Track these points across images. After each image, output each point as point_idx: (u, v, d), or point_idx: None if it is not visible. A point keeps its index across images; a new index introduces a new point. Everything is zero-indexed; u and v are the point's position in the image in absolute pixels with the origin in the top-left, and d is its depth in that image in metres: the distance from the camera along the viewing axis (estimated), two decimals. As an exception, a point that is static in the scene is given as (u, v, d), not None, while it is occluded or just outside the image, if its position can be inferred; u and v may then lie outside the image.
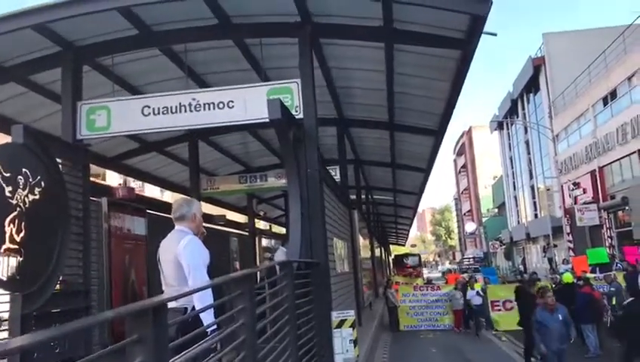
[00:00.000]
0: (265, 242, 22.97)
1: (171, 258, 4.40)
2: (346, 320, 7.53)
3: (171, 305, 4.34)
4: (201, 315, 4.15)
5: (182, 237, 4.43)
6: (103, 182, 19.39)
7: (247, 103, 7.90)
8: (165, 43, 8.93)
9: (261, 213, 20.83)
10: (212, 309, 4.26)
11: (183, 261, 4.32)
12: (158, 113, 8.26)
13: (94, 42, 8.47)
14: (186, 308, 4.25)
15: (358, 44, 9.06)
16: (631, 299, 10.43)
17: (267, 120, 6.91)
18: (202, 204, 16.25)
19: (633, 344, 9.17)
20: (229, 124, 8.33)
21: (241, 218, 22.09)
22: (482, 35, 7.24)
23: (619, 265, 18.88)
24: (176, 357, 2.84)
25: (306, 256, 6.92)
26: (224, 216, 17.27)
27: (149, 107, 8.31)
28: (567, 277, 15.43)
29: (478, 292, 18.11)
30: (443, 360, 13.93)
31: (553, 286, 14.90)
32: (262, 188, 13.79)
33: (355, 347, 7.47)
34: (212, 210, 17.94)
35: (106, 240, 9.17)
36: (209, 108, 8.07)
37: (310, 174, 7.48)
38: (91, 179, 9.05)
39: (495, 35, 7.43)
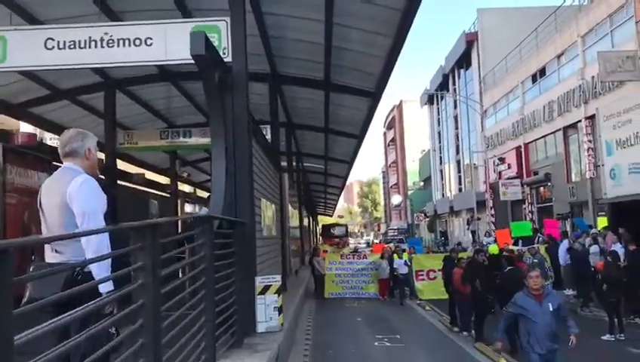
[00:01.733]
0: (189, 208, 21.94)
1: (58, 202, 3.48)
2: (271, 286, 6.89)
3: (55, 258, 3.52)
4: (95, 273, 3.37)
5: (73, 177, 3.51)
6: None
7: (168, 41, 6.96)
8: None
9: (185, 175, 19.72)
10: (109, 268, 3.48)
11: (74, 205, 3.42)
12: (64, 47, 7.17)
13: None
14: (74, 266, 3.42)
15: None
16: (509, 267, 11.15)
17: (190, 60, 6.04)
18: (119, 161, 15.07)
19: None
20: (146, 63, 7.38)
21: (163, 180, 20.87)
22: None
23: (541, 238, 19.33)
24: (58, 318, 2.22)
25: (230, 214, 6.18)
26: (143, 175, 16.09)
27: (53, 40, 7.19)
28: (494, 249, 15.56)
29: (405, 261, 18.04)
30: (368, 328, 13.66)
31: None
32: (185, 145, 12.75)
33: (279, 315, 6.86)
34: (130, 170, 16.72)
35: (1, 192, 8.03)
36: (123, 45, 7.06)
37: (237, 125, 6.70)
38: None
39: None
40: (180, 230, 11.25)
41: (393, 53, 9.55)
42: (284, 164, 17.69)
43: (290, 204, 16.83)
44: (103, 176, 12.82)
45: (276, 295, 6.88)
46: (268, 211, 9.31)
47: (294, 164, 22.49)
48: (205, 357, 4.38)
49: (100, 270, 3.34)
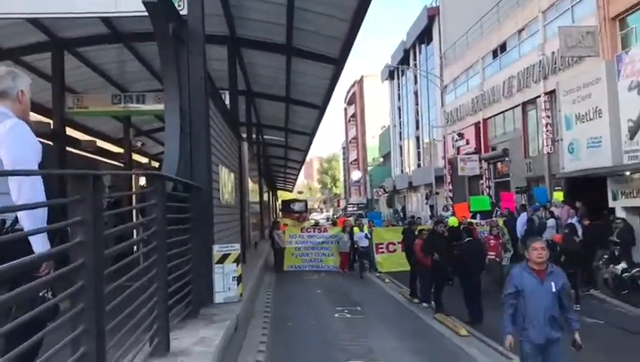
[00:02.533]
0: (144, 180, 21.15)
1: (-18, 148, 3.01)
2: (229, 254, 6.55)
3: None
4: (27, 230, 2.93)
5: (1, 121, 3.06)
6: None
7: (118, -10, 6.39)
8: None
9: (139, 144, 18.96)
10: (44, 224, 3.05)
11: (2, 152, 2.97)
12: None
13: None
14: (3, 221, 2.99)
15: None
16: (468, 238, 11.12)
17: (143, 12, 5.55)
18: (70, 130, 14.29)
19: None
20: (93, 15, 6.78)
21: (116, 150, 20.03)
22: None
23: (499, 211, 19.55)
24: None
25: (185, 178, 5.78)
26: (94, 142, 15.32)
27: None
28: (453, 221, 15.66)
29: (366, 234, 17.98)
30: (328, 301, 13.52)
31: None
32: (139, 110, 12.08)
33: (238, 285, 6.54)
34: (80, 137, 15.91)
35: None
36: (66, -7, 6.45)
37: (193, 83, 6.25)
38: None
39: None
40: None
41: (358, 16, 9.19)
42: (243, 135, 17.20)
43: (250, 177, 16.41)
44: (50, 142, 12.12)
45: (235, 264, 6.56)
46: (227, 179, 8.91)
47: (254, 135, 22.00)
48: (157, 326, 4.04)
49: (33, 226, 2.92)
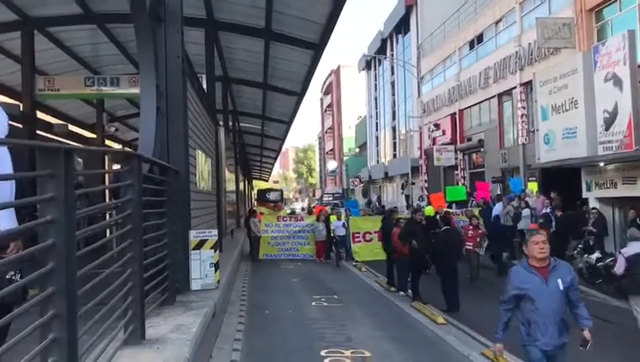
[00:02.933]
0: (118, 167, 20.67)
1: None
2: (206, 240, 6.38)
3: None
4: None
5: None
6: None
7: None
8: None
9: (112, 130, 18.52)
10: (12, 209, 2.85)
11: None
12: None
13: None
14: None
15: None
16: (445, 227, 11.12)
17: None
18: (38, 113, 13.82)
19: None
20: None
21: (89, 135, 19.53)
22: None
23: (474, 201, 19.66)
24: None
25: (162, 160, 5.57)
26: (66, 126, 14.87)
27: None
28: (430, 211, 15.65)
29: (343, 223, 17.91)
30: (305, 289, 13.42)
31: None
32: (113, 94, 11.69)
33: (215, 271, 6.37)
34: (52, 121, 15.45)
35: None
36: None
37: (171, 62, 6.03)
38: None
39: None
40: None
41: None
42: (220, 123, 16.90)
43: (227, 165, 16.14)
44: (20, 125, 11.71)
45: (212, 250, 6.38)
46: (203, 164, 8.69)
47: (230, 123, 21.69)
48: (133, 312, 3.87)
49: (4, 214, 2.71)
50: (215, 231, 6.43)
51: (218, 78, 15.23)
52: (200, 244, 6.31)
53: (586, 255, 12.77)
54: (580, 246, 13.12)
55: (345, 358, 7.40)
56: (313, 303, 11.40)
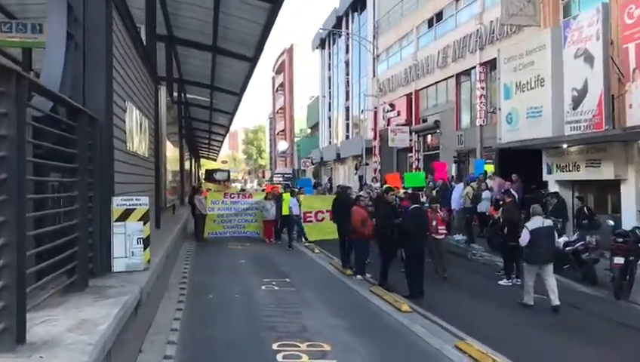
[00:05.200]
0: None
1: None
2: (134, 210, 5.09)
3: None
4: None
5: None
6: None
7: None
8: None
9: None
10: None
11: None
12: None
13: None
14: None
15: None
16: (414, 205, 10.40)
17: None
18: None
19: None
20: None
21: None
22: None
23: (431, 183, 18.89)
24: None
25: (74, 100, 4.24)
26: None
27: None
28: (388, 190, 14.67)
29: (298, 199, 16.81)
30: (253, 271, 12.28)
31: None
32: (36, 42, 9.97)
33: (145, 249, 5.11)
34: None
35: None
36: None
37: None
38: None
39: None
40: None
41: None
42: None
43: (169, 136, 14.64)
44: None
45: (141, 223, 5.11)
46: (137, 122, 7.32)
47: (176, 94, 20.10)
48: (4, 304, 2.61)
49: None
50: (145, 199, 5.14)
51: (161, 37, 13.69)
52: (125, 215, 5.02)
53: (553, 239, 12.06)
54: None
55: (301, 353, 6.31)
56: (263, 287, 10.29)
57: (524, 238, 9.19)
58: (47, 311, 3.45)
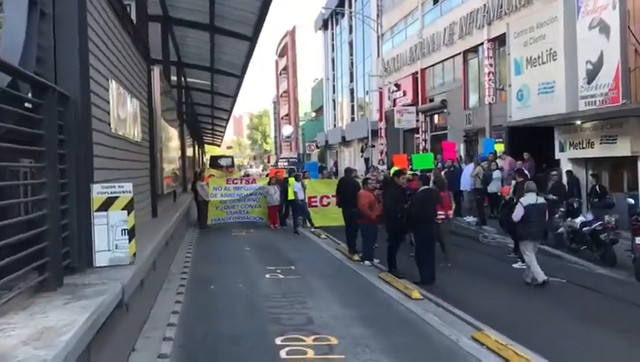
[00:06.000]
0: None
1: None
2: (117, 198, 4.60)
3: None
4: None
5: None
6: None
7: None
8: None
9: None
10: None
11: None
12: None
13: None
14: None
15: None
16: (424, 187, 9.98)
17: None
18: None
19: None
20: None
21: None
22: None
23: (440, 163, 18.33)
24: None
25: (42, 75, 3.73)
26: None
27: None
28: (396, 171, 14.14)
29: (303, 183, 16.32)
30: (258, 259, 11.83)
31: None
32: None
33: (130, 241, 4.62)
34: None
35: None
36: None
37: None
38: None
39: None
40: None
41: None
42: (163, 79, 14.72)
43: (169, 120, 14.11)
44: None
45: (125, 212, 4.62)
46: (123, 102, 6.80)
47: (176, 78, 19.53)
48: None
49: None
50: (129, 186, 4.64)
51: (156, 17, 13.12)
52: (107, 204, 4.53)
53: (569, 218, 11.53)
54: (562, 209, 11.87)
55: (306, 348, 5.85)
56: (267, 275, 9.83)
57: (518, 213, 9.20)
58: (7, 317, 2.98)
